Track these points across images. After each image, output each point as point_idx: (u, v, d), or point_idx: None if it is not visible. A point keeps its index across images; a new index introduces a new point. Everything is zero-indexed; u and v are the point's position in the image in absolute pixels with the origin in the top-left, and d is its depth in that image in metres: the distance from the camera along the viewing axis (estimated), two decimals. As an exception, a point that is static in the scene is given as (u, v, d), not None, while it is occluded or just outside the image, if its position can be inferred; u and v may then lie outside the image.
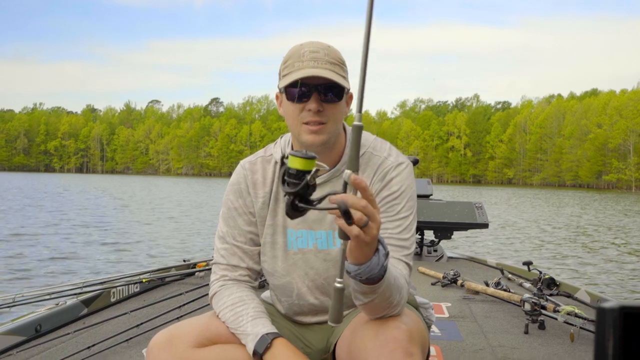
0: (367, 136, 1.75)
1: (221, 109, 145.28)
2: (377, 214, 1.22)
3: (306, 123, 1.58)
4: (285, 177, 1.19)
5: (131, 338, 3.08)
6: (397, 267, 1.54)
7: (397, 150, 1.76)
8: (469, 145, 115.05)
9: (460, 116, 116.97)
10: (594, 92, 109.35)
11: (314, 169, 1.19)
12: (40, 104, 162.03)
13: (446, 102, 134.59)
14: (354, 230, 1.18)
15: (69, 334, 3.10)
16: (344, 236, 1.21)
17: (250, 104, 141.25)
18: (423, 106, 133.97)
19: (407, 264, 1.64)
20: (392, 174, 1.67)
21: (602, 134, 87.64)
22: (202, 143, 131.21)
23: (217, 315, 1.66)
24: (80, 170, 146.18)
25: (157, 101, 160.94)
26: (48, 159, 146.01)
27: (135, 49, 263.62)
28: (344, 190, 1.18)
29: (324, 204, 1.20)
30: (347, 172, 1.17)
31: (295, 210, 1.19)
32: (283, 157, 1.24)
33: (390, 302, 1.44)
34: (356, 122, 1.18)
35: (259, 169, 1.75)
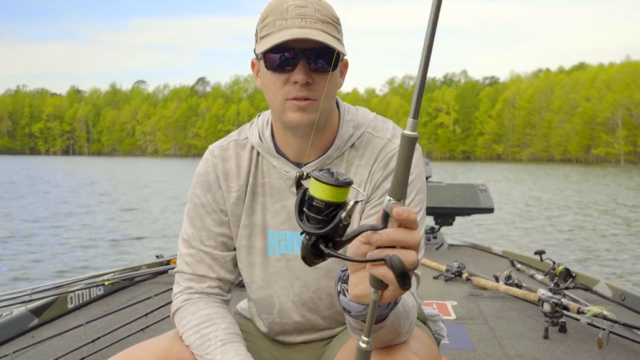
0: (365, 113, 1.47)
1: (208, 89, 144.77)
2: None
3: (291, 99, 1.29)
4: (306, 209, 0.88)
5: (83, 358, 2.59)
6: None
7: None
8: (457, 121, 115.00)
9: (448, 92, 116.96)
10: (582, 66, 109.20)
11: (351, 202, 0.86)
12: (24, 85, 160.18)
13: (434, 78, 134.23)
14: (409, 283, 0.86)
15: (7, 355, 2.59)
16: (378, 284, 0.87)
17: (237, 83, 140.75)
18: (412, 82, 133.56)
19: (415, 274, 1.33)
20: None
21: (590, 108, 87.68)
22: (190, 123, 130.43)
23: (181, 337, 1.38)
24: (66, 152, 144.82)
25: (143, 81, 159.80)
26: (33, 141, 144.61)
27: (120, 28, 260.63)
28: (384, 223, 0.85)
29: (356, 249, 0.87)
30: (388, 199, 0.85)
31: (317, 257, 0.89)
32: (302, 177, 0.94)
33: (398, 332, 1.15)
34: (407, 132, 0.85)
35: (231, 155, 1.45)
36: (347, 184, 0.86)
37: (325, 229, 0.86)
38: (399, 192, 0.84)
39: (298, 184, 0.93)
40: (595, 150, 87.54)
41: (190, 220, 1.46)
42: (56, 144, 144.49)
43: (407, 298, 1.17)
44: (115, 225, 13.24)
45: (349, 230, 0.88)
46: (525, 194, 23.41)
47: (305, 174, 0.93)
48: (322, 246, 0.87)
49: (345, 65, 1.40)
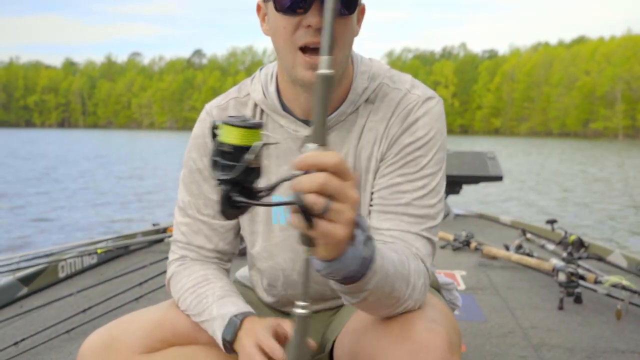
0: (379, 64, 1.33)
1: (204, 61, 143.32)
2: (348, 188, 0.80)
3: (303, 49, 1.14)
4: (217, 158, 0.85)
5: (73, 328, 2.46)
6: (412, 246, 1.15)
7: (423, 84, 1.30)
8: (456, 94, 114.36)
9: (447, 65, 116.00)
10: (583, 39, 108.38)
11: (259, 144, 0.83)
12: (17, 57, 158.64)
13: (433, 51, 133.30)
14: (321, 226, 0.78)
15: None
16: (307, 242, 0.81)
17: (234, 55, 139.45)
18: (410, 55, 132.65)
19: (430, 240, 1.19)
20: (417, 113, 1.23)
21: (589, 82, 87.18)
22: (186, 96, 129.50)
23: (176, 305, 1.30)
24: (61, 125, 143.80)
25: (138, 53, 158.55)
26: (28, 114, 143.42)
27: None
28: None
29: (276, 196, 0.89)
30: (309, 146, 0.79)
31: (231, 207, 0.85)
32: (213, 128, 0.89)
33: (395, 297, 1.03)
34: (322, 71, 0.78)
35: (231, 115, 1.33)
36: (256, 126, 0.82)
37: (236, 174, 0.82)
38: (317, 134, 0.76)
39: (213, 134, 0.89)
40: (593, 125, 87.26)
41: (186, 186, 1.35)
42: (51, 116, 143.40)
43: (399, 260, 1.04)
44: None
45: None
46: (537, 166, 22.65)
47: (215, 123, 0.89)
48: (234, 196, 0.83)
49: (362, 11, 1.24)
